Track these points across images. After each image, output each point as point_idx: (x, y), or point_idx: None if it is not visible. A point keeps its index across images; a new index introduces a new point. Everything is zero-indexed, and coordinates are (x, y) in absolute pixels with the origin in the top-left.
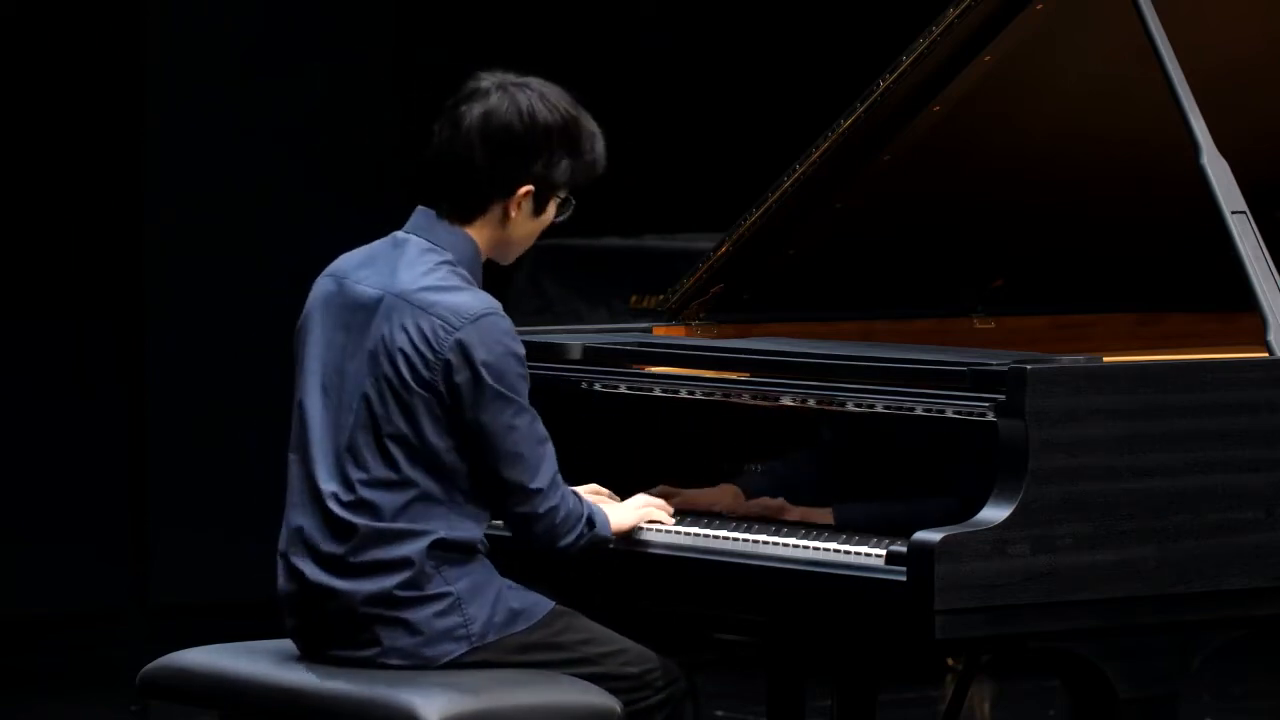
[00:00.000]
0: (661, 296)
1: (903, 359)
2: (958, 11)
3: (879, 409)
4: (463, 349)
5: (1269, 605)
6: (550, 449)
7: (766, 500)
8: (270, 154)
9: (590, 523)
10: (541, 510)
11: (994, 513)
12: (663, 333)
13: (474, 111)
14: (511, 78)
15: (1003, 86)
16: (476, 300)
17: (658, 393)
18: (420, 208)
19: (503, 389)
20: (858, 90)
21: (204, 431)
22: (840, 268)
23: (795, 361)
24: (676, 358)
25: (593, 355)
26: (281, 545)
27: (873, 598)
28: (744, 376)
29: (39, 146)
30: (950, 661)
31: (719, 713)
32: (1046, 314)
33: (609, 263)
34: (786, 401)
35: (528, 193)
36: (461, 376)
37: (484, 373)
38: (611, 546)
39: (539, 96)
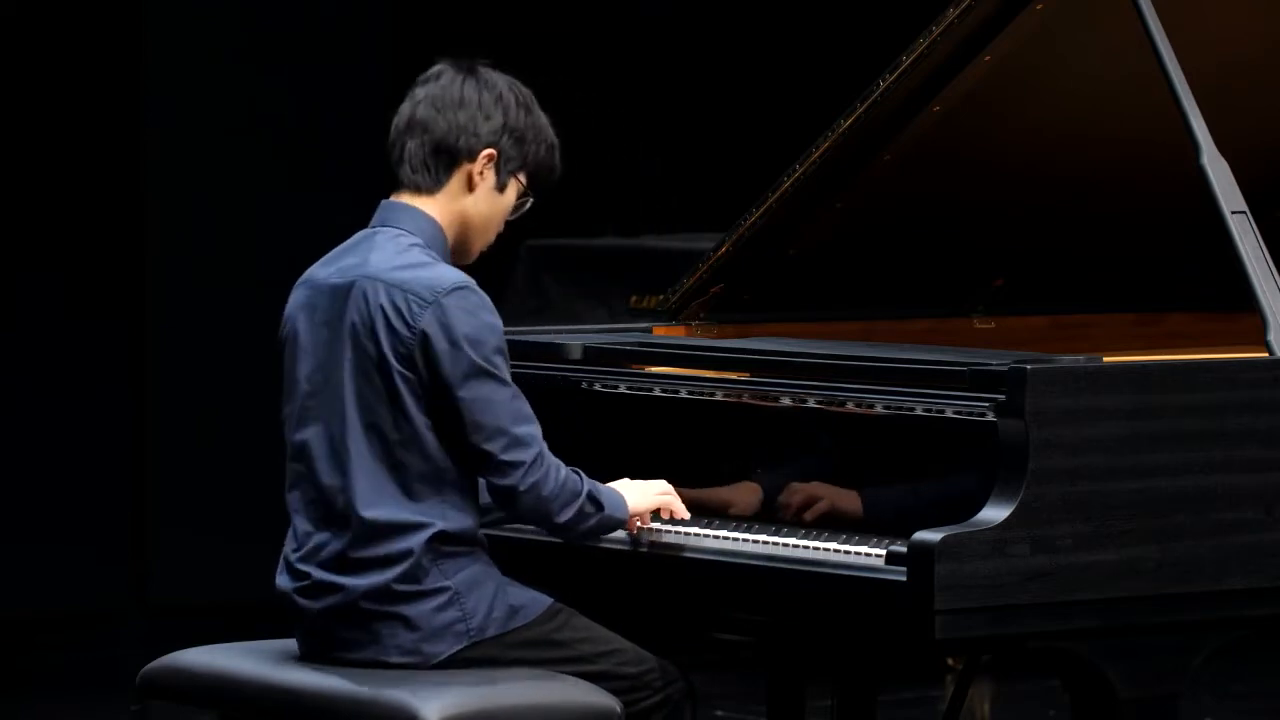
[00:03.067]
0: (661, 296)
1: (903, 359)
2: (958, 11)
3: (879, 409)
4: (439, 321)
5: (1269, 605)
6: (534, 426)
7: (799, 486)
8: (271, 155)
9: (595, 502)
10: (524, 486)
11: (994, 513)
12: (663, 333)
13: (435, 84)
14: (467, 60)
15: (1003, 86)
16: (450, 274)
17: (658, 393)
18: (383, 200)
19: (480, 361)
20: (858, 90)
21: (205, 432)
22: (840, 268)
23: (795, 361)
24: (676, 358)
25: (593, 355)
26: (286, 544)
27: (873, 598)
28: (744, 376)
29: (39, 147)
30: (950, 661)
31: (719, 713)
32: (1046, 314)
33: (609, 263)
34: (786, 401)
35: (490, 157)
36: (439, 348)
37: (463, 345)
38: (627, 538)
39: (500, 75)
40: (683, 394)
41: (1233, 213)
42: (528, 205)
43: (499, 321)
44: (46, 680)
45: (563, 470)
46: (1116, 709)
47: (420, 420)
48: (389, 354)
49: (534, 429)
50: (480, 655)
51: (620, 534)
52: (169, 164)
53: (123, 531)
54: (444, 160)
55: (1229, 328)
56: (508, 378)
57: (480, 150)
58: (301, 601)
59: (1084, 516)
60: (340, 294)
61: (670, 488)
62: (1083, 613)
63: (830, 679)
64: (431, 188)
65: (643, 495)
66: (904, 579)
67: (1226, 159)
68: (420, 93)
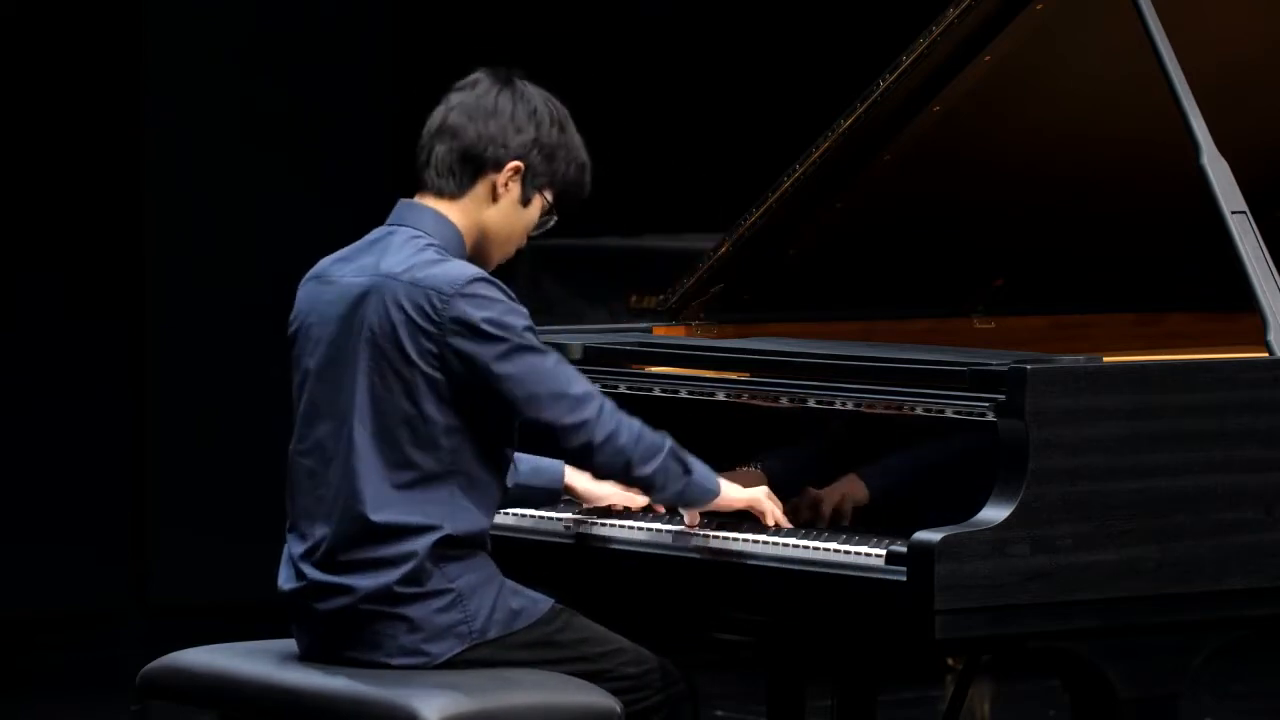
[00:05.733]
0: (661, 296)
1: (903, 359)
2: (958, 11)
3: (879, 409)
4: (464, 313)
5: (1269, 605)
6: (587, 384)
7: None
8: (271, 155)
9: (681, 463)
10: (597, 440)
11: (994, 513)
12: (663, 333)
13: (470, 92)
14: (505, 72)
15: (1003, 86)
16: (465, 267)
17: (658, 393)
18: (402, 200)
19: (513, 339)
20: (858, 90)
21: (205, 432)
22: (840, 268)
23: (795, 361)
24: (676, 358)
25: (593, 355)
26: (288, 543)
27: (873, 598)
28: (744, 376)
29: (39, 146)
30: (950, 661)
31: (719, 713)
32: (1046, 314)
33: (609, 263)
34: (786, 401)
35: (516, 169)
36: (469, 340)
37: (493, 330)
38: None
39: (536, 90)
40: (683, 394)
41: (1233, 213)
42: (551, 222)
43: (519, 304)
44: (46, 680)
45: (636, 424)
46: (1116, 709)
47: (440, 422)
48: (413, 354)
49: (588, 386)
50: (481, 657)
51: (622, 534)
52: (169, 164)
53: (123, 531)
54: (470, 168)
55: (1229, 328)
56: (544, 346)
57: (507, 162)
58: (303, 602)
59: (1084, 516)
60: (356, 294)
61: (769, 494)
62: (1083, 613)
63: (830, 679)
64: (454, 194)
65: (738, 491)
66: (904, 579)
67: (1226, 159)
68: (455, 99)
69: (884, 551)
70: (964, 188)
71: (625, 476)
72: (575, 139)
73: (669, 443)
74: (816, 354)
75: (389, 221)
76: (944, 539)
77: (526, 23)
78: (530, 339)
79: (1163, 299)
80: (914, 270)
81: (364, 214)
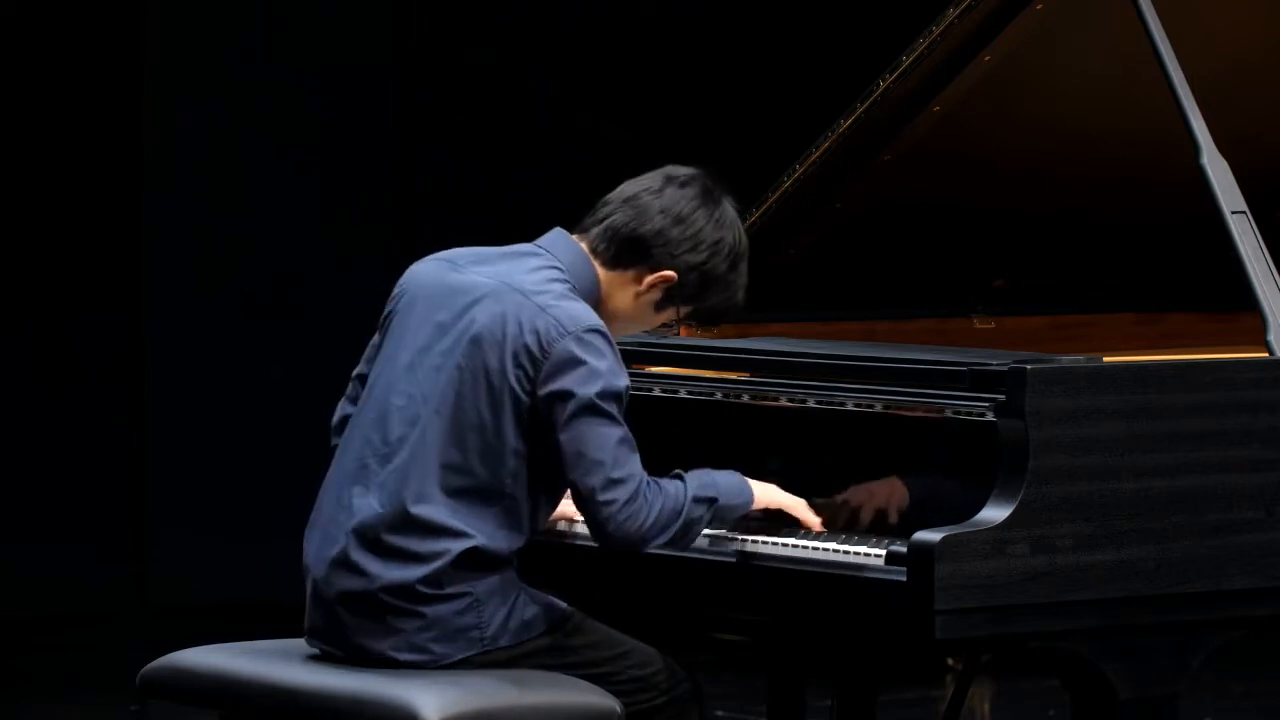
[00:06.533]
0: None
1: (903, 359)
2: (958, 11)
3: (879, 409)
4: (572, 352)
5: (1269, 605)
6: (635, 468)
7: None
8: (271, 154)
9: (708, 500)
10: (611, 527)
11: (994, 513)
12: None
13: (682, 189)
14: (721, 187)
15: (1003, 86)
16: (594, 316)
17: (658, 393)
18: (558, 229)
19: (595, 398)
20: (858, 90)
21: (204, 431)
22: (840, 268)
23: (795, 361)
24: (676, 358)
25: None
26: (323, 506)
27: (873, 598)
28: (744, 376)
29: (39, 146)
30: (950, 661)
31: (719, 713)
32: (1046, 314)
33: None
34: (786, 401)
35: (668, 280)
36: (563, 378)
37: (586, 379)
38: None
39: (731, 216)
40: (682, 394)
41: (1233, 213)
42: (671, 331)
43: (625, 373)
44: (46, 680)
45: (658, 503)
46: (1116, 709)
47: (511, 442)
48: (510, 370)
49: (635, 472)
50: (490, 661)
51: None
52: (169, 163)
53: (123, 531)
54: (631, 252)
55: (1229, 328)
56: (620, 420)
57: (664, 269)
58: (322, 576)
59: (1084, 516)
60: (479, 291)
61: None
62: (1083, 613)
63: (830, 679)
64: (605, 262)
65: (777, 491)
66: (904, 579)
67: (1226, 159)
68: (667, 191)
69: (884, 551)
70: (964, 188)
71: (635, 553)
72: (740, 279)
73: (686, 499)
74: (816, 354)
75: (538, 242)
76: (944, 539)
77: (527, 22)
78: (611, 408)
79: (1163, 299)
80: (914, 270)
81: (366, 212)
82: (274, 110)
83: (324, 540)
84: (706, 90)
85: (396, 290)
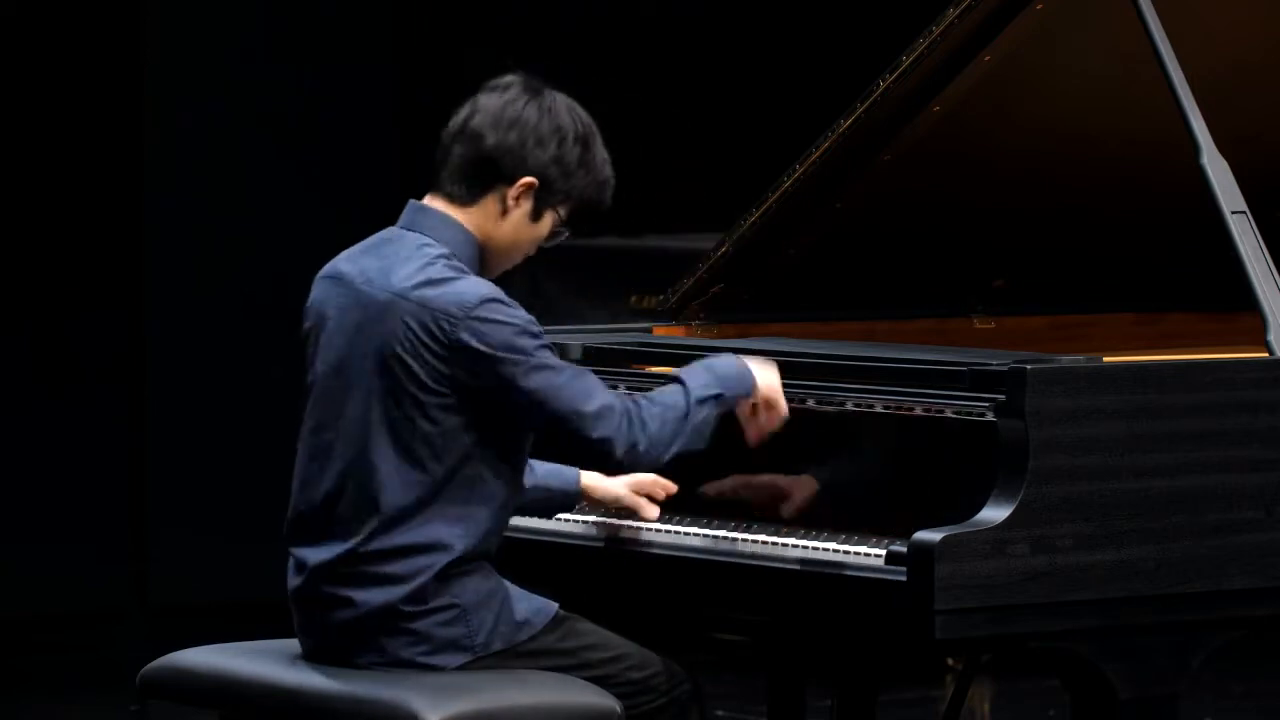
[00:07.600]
0: (661, 296)
1: (903, 359)
2: (958, 11)
3: (879, 409)
4: (474, 338)
5: (1269, 605)
6: (606, 395)
7: (797, 481)
8: (271, 154)
9: (714, 398)
10: (621, 454)
11: (994, 513)
12: (663, 333)
13: (495, 98)
14: (539, 81)
15: (1003, 86)
16: (476, 287)
17: None
18: (411, 201)
19: (526, 361)
20: (858, 90)
21: (204, 431)
22: (840, 268)
23: (795, 361)
24: (676, 358)
25: (593, 355)
26: (293, 545)
27: (873, 598)
28: None
29: (39, 146)
30: (950, 661)
31: (719, 713)
32: (1046, 314)
33: (609, 263)
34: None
35: (529, 185)
36: (482, 364)
37: (505, 354)
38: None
39: (564, 101)
40: None
41: (1233, 213)
42: (564, 236)
43: (531, 319)
44: (46, 680)
45: (655, 411)
46: (1116, 709)
47: (458, 434)
48: (425, 377)
49: (605, 398)
50: (484, 667)
51: (620, 534)
52: (169, 163)
53: (123, 531)
54: (482, 177)
55: (1229, 328)
56: (559, 362)
57: (521, 176)
58: (308, 609)
59: (1084, 516)
60: (368, 308)
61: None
62: (1083, 613)
63: (830, 679)
64: (464, 201)
65: (773, 374)
66: (904, 579)
67: (1226, 159)
68: (481, 101)
69: (884, 551)
70: (964, 188)
71: (659, 468)
72: (599, 155)
73: (687, 402)
74: (816, 354)
75: (400, 224)
76: (944, 539)
77: (528, 22)
78: (543, 358)
79: (1163, 299)
80: (914, 270)
81: (367, 212)
82: (274, 110)
83: (302, 579)
84: (706, 90)
85: (307, 319)
